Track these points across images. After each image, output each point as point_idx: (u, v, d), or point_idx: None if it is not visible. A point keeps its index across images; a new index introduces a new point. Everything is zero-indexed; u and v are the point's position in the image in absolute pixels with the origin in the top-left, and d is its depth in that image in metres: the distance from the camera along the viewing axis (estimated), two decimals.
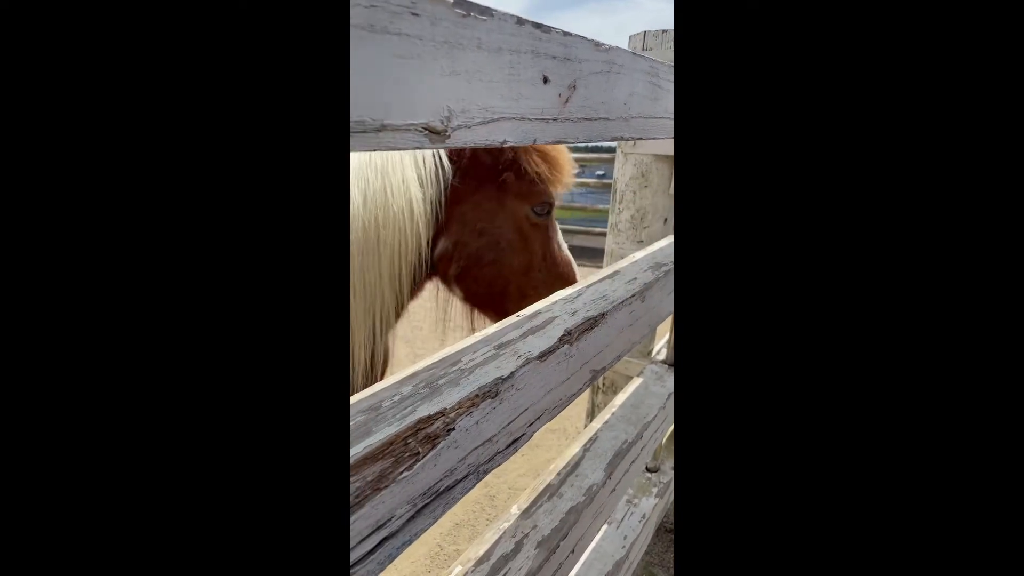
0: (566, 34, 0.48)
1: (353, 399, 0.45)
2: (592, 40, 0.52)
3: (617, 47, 0.58)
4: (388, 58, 0.31)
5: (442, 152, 0.94)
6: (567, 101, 0.50)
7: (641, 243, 1.57)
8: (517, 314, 0.71)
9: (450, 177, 0.94)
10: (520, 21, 0.41)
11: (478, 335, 0.63)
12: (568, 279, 1.10)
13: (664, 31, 1.42)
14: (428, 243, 0.93)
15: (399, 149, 0.34)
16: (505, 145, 0.44)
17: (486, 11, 0.38)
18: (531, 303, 0.67)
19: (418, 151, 0.93)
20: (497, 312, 1.07)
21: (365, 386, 1.00)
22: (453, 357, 0.55)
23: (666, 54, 1.40)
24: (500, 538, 0.75)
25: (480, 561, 0.71)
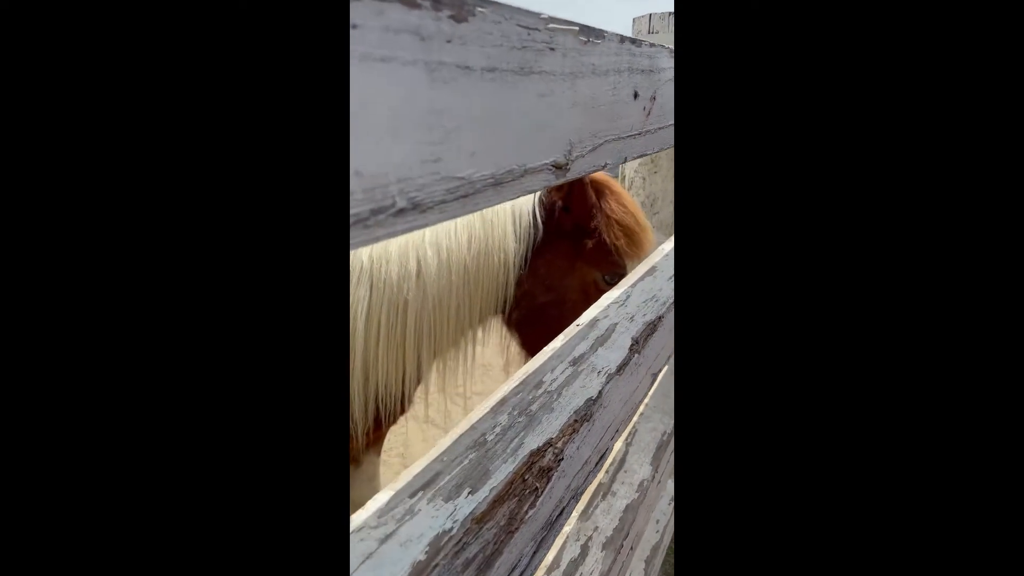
0: (652, 45, 0.46)
1: (454, 433, 0.44)
2: (668, 48, 0.51)
3: None
4: (534, 99, 0.29)
5: (537, 212, 0.98)
6: (649, 113, 0.49)
7: (653, 229, 1.57)
8: (576, 323, 0.71)
9: (540, 235, 0.99)
10: (621, 39, 0.40)
11: (548, 350, 0.62)
12: None
13: (670, 13, 1.39)
14: (513, 291, 0.99)
15: (533, 191, 0.32)
16: (605, 168, 0.43)
17: (599, 34, 0.36)
18: None
19: (519, 208, 0.99)
20: None
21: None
22: (534, 378, 0.55)
23: (671, 38, 1.38)
24: (565, 542, 0.76)
25: (551, 568, 0.72)
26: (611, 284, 1.07)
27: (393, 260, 0.91)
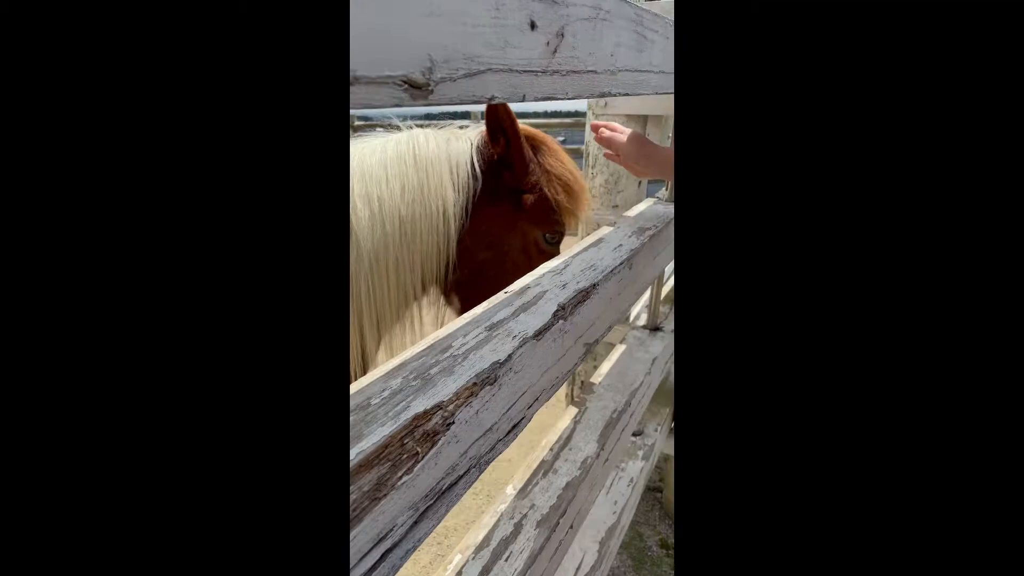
0: None
1: None
2: None
3: None
4: None
5: (475, 161, 0.92)
6: (555, 51, 0.45)
7: (616, 207, 1.54)
8: (505, 290, 0.67)
9: (480, 186, 0.93)
10: None
11: (467, 316, 0.58)
12: None
13: None
14: (455, 247, 0.93)
15: (376, 106, 0.28)
16: (493, 101, 0.39)
17: None
18: None
19: (455, 157, 0.92)
20: None
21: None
22: (443, 343, 0.51)
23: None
24: (498, 521, 0.73)
25: (480, 547, 0.68)
26: (551, 244, 1.03)
27: None
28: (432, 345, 0.50)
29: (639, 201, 1.55)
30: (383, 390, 0.42)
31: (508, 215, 0.97)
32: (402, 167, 0.88)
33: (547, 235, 1.02)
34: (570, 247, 0.92)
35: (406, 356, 0.48)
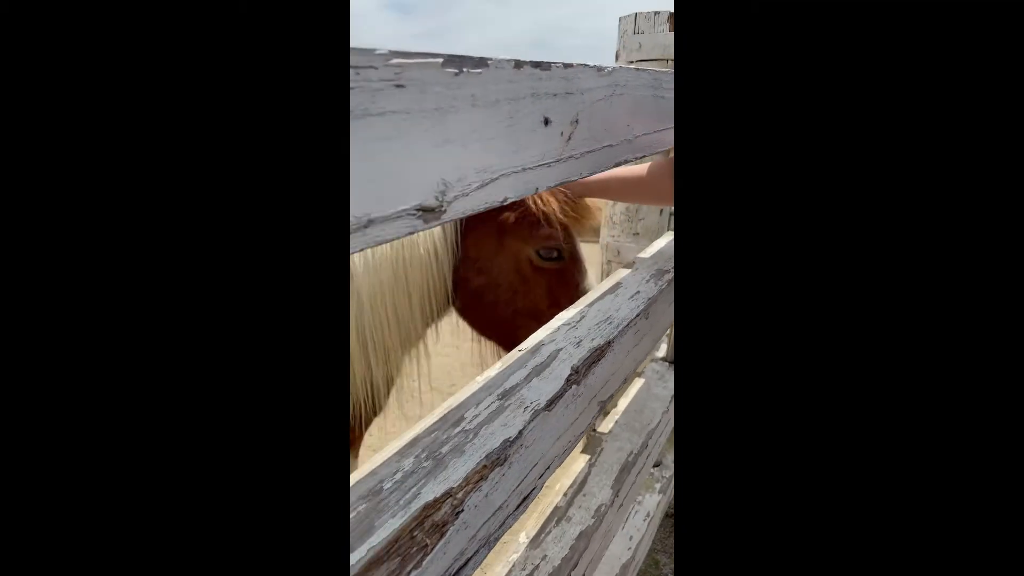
0: (567, 66, 0.42)
1: (352, 480, 0.42)
2: (595, 66, 0.47)
3: (620, 67, 0.52)
4: (371, 144, 0.26)
5: None
6: (570, 138, 0.45)
7: (637, 235, 1.52)
8: (519, 348, 0.67)
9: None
10: (518, 64, 0.36)
11: (480, 380, 0.59)
12: None
13: (656, 12, 1.34)
14: (451, 278, 0.96)
15: (390, 240, 0.29)
16: (506, 203, 0.39)
17: (481, 62, 0.33)
18: None
19: None
20: (507, 347, 1.07)
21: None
22: (454, 414, 0.52)
23: (659, 38, 1.33)
24: (510, 572, 0.73)
25: None
26: (549, 259, 0.98)
27: None
28: (444, 416, 0.51)
29: (660, 229, 1.54)
30: (395, 472, 0.43)
31: (491, 236, 0.96)
32: None
33: (540, 251, 0.98)
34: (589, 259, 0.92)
35: (419, 430, 0.49)
